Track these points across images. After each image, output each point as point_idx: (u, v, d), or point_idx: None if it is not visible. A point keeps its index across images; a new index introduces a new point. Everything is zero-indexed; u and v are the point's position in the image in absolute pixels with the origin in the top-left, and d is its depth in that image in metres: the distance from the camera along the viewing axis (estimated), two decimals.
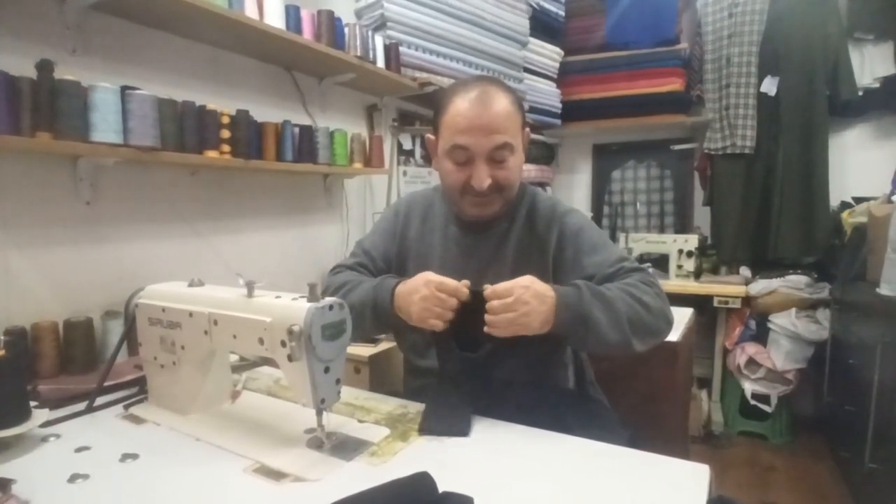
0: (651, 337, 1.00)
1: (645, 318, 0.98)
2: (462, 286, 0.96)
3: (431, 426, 0.92)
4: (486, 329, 0.92)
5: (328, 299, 0.81)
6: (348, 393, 1.10)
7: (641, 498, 0.71)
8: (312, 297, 0.80)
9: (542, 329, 0.93)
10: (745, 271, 3.07)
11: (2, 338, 1.02)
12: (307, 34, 1.81)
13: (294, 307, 0.80)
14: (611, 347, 0.96)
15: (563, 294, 0.95)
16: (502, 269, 1.11)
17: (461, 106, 1.03)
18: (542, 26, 3.28)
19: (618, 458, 0.83)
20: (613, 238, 3.66)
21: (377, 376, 1.73)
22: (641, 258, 3.27)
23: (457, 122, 1.03)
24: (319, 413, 0.83)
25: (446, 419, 0.94)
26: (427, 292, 0.96)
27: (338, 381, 0.84)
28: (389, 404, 1.06)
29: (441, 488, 0.68)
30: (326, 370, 0.81)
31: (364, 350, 1.74)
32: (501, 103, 1.03)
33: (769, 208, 2.96)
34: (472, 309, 0.95)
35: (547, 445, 0.87)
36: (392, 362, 1.75)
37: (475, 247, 1.15)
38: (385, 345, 1.78)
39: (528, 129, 1.13)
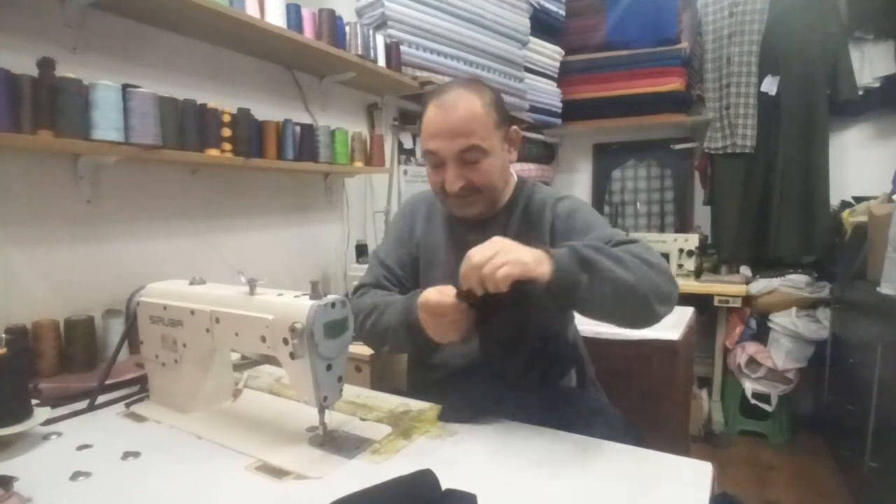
0: (664, 295, 0.89)
1: (651, 276, 0.88)
2: (451, 298, 0.91)
3: (453, 415, 0.96)
4: (485, 286, 0.83)
5: (330, 296, 0.81)
6: (350, 391, 1.10)
7: (644, 495, 0.71)
8: (315, 295, 0.80)
9: (540, 268, 0.83)
10: (745, 270, 3.07)
11: (3, 336, 1.02)
12: (308, 33, 1.81)
13: (296, 305, 0.80)
14: (630, 297, 0.85)
15: (555, 248, 0.89)
16: None
17: (430, 111, 1.05)
18: (543, 25, 3.28)
19: (620, 456, 0.83)
20: None
21: (378, 375, 1.72)
22: None
23: (427, 128, 1.05)
24: (321, 411, 0.83)
25: (465, 410, 0.97)
26: (424, 316, 0.95)
27: (340, 379, 0.84)
28: (391, 402, 1.06)
29: (444, 486, 0.68)
30: (329, 368, 0.81)
31: (365, 349, 1.73)
32: (468, 106, 1.02)
33: (769, 207, 2.96)
34: (481, 303, 0.92)
35: (549, 443, 0.87)
36: (393, 360, 1.75)
37: (475, 242, 1.14)
38: None
39: (514, 127, 1.11)
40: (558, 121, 3.54)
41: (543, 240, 1.11)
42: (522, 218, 1.15)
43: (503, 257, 0.81)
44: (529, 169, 3.27)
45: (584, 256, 0.84)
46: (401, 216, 1.30)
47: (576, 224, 1.08)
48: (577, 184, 3.96)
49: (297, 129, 1.84)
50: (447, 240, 1.19)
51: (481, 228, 1.14)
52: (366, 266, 1.33)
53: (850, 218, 2.66)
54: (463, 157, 1.03)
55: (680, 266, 3.07)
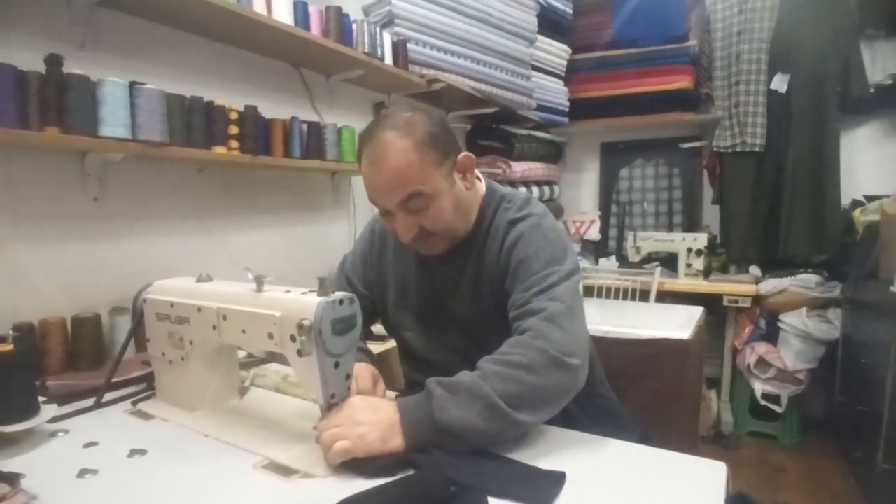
0: (547, 400, 0.84)
1: (528, 382, 0.82)
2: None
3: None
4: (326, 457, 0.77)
5: (338, 293, 0.80)
6: None
7: (659, 495, 0.69)
8: (322, 292, 0.79)
9: (391, 444, 0.77)
10: (754, 270, 3.05)
11: (10, 333, 1.02)
12: (315, 30, 1.80)
13: (304, 301, 0.79)
14: (498, 437, 0.81)
15: (407, 403, 0.82)
16: (466, 291, 1.08)
17: (364, 165, 0.97)
18: (550, 24, 3.26)
19: (633, 456, 0.82)
20: (622, 236, 3.63)
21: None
22: (650, 257, 3.25)
23: (364, 181, 1.00)
24: (329, 409, 0.82)
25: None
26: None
27: (347, 377, 0.83)
28: None
29: (453, 484, 0.67)
30: (336, 365, 0.80)
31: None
32: (398, 156, 0.93)
33: (779, 206, 2.94)
34: None
35: (559, 441, 0.85)
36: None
37: (441, 276, 1.12)
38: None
39: (464, 153, 1.03)
40: (565, 119, 3.53)
41: (498, 273, 1.04)
42: (482, 246, 1.08)
43: (348, 432, 0.76)
44: (536, 168, 3.25)
45: (440, 424, 0.77)
46: (369, 232, 1.25)
47: (512, 259, 1.00)
48: (584, 183, 3.95)
49: (305, 126, 1.83)
50: (417, 271, 1.15)
51: (446, 262, 1.10)
52: None
53: (861, 217, 2.63)
54: (407, 205, 0.96)
55: (689, 265, 3.05)
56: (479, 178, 1.13)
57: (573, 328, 0.90)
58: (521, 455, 0.79)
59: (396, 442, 0.77)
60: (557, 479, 0.71)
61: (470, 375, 0.83)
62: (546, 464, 0.76)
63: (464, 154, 1.04)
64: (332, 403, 0.80)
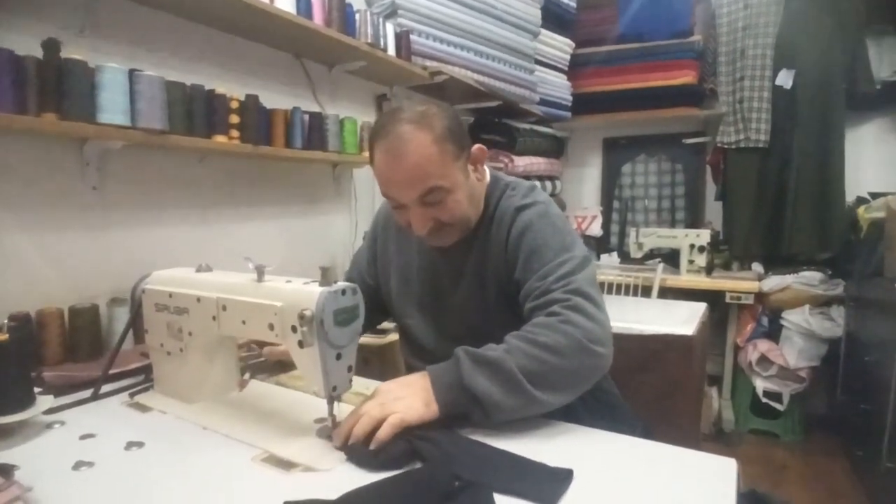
0: (569, 383, 0.85)
1: (552, 364, 0.83)
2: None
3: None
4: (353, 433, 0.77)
5: (341, 283, 0.79)
6: (359, 382, 1.07)
7: (668, 492, 0.68)
8: (325, 282, 0.78)
9: (429, 410, 0.80)
10: (757, 267, 3.04)
11: (6, 323, 1.00)
12: (317, 19, 1.78)
13: (305, 291, 0.77)
14: (519, 412, 0.83)
15: (437, 369, 0.85)
16: (469, 279, 1.07)
17: (379, 158, 0.95)
18: (554, 17, 3.23)
19: (641, 451, 0.80)
20: (624, 232, 3.62)
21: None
22: (652, 253, 3.23)
23: (379, 175, 0.97)
24: (330, 402, 0.80)
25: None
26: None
27: (350, 369, 0.81)
28: None
29: (458, 479, 0.65)
30: (339, 357, 0.78)
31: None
32: (415, 152, 0.91)
33: (783, 203, 2.92)
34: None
35: (567, 437, 0.84)
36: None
37: (444, 266, 1.11)
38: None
39: (477, 146, 1.03)
40: (568, 114, 3.50)
41: (504, 263, 1.03)
42: (486, 233, 1.06)
43: (392, 405, 0.79)
44: (538, 163, 3.23)
45: (468, 388, 0.81)
46: (372, 227, 1.27)
47: (522, 248, 0.99)
48: (586, 178, 3.92)
49: (306, 117, 1.81)
50: (419, 259, 1.14)
51: (449, 250, 1.08)
52: None
53: (865, 214, 2.61)
54: (425, 199, 0.95)
55: (691, 262, 3.04)
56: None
57: (600, 317, 0.90)
58: (529, 450, 0.77)
59: (434, 407, 0.81)
60: (564, 476, 0.70)
61: (496, 349, 0.85)
62: (553, 459, 0.74)
63: (477, 146, 1.03)
64: (333, 396, 0.79)
